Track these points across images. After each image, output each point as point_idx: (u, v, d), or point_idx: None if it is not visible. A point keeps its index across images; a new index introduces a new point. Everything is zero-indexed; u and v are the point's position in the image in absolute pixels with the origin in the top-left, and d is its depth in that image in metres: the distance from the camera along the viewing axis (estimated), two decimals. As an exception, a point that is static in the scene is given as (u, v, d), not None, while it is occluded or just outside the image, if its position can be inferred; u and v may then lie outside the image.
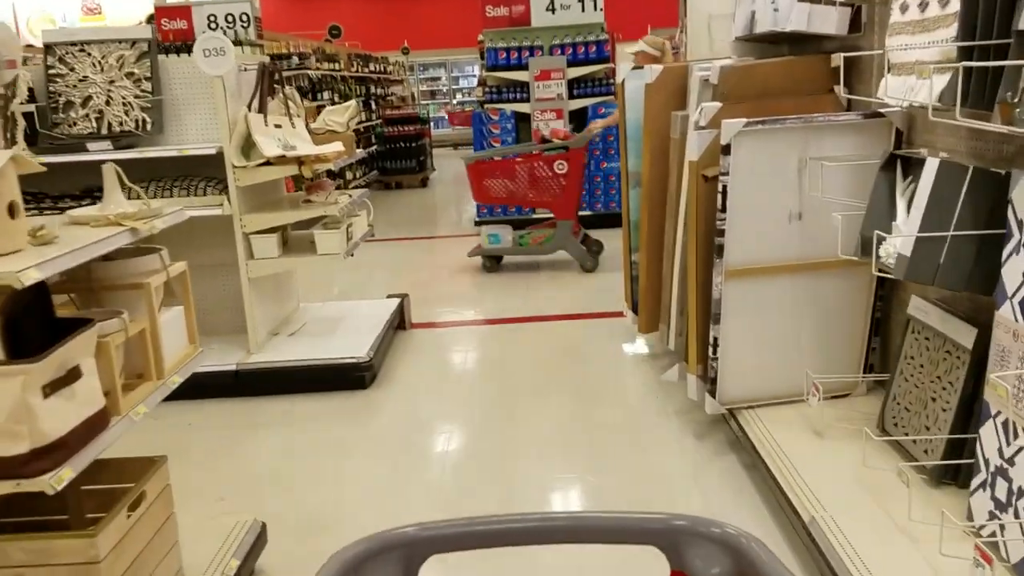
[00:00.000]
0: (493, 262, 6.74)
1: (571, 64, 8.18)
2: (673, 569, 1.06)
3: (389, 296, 5.42)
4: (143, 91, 4.22)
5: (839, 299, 3.20)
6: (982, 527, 2.20)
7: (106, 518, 1.92)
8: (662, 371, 4.11)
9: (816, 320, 3.21)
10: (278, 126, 4.18)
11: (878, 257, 2.44)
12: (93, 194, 4.05)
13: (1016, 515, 2.07)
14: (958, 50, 2.18)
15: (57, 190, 4.26)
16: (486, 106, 8.52)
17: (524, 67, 8.23)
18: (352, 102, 5.09)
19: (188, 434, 3.86)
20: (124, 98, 4.21)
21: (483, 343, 5.04)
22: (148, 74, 4.23)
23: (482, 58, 9.30)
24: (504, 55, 8.36)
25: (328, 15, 17.88)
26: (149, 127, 4.19)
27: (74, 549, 1.88)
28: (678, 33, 6.52)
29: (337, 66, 11.76)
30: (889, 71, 2.57)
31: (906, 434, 2.70)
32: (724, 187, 3.03)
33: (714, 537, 1.04)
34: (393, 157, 12.58)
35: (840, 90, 3.23)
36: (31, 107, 4.15)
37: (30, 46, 8.89)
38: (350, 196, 4.58)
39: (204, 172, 4.25)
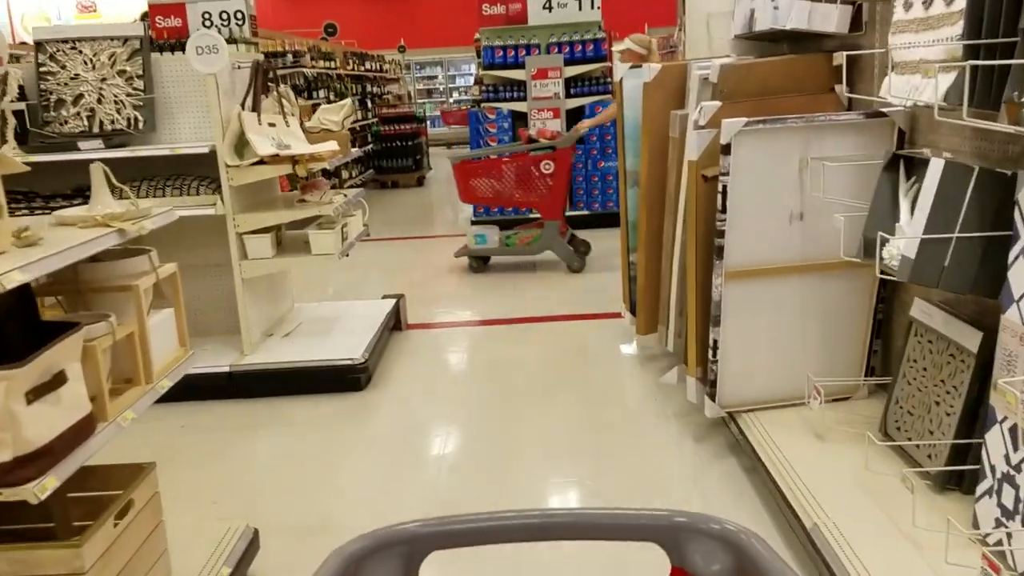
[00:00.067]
0: (480, 263, 6.70)
1: (568, 63, 8.14)
2: (674, 566, 1.06)
3: (385, 296, 5.37)
4: (135, 89, 4.17)
5: (840, 301, 3.16)
6: (988, 535, 2.16)
7: (92, 527, 1.87)
8: (660, 373, 4.07)
9: (817, 322, 3.17)
10: (272, 125, 4.13)
11: (881, 259, 2.40)
12: (85, 193, 3.98)
13: None
14: (964, 48, 2.14)
15: (49, 189, 4.21)
16: (483, 105, 8.48)
17: (521, 66, 8.19)
18: (347, 100, 5.04)
19: (180, 436, 3.81)
20: (116, 96, 4.15)
21: (479, 344, 5.00)
22: (140, 72, 4.17)
23: (479, 56, 9.26)
24: (501, 53, 8.32)
25: (324, 13, 17.82)
26: (141, 125, 4.14)
27: (59, 559, 1.83)
28: (676, 31, 6.48)
29: (333, 64, 11.70)
30: (892, 70, 2.53)
31: (909, 438, 2.66)
32: (724, 187, 2.98)
33: (714, 533, 1.04)
34: (389, 156, 12.53)
35: (842, 89, 3.19)
36: (22, 105, 4.09)
37: (24, 43, 8.83)
38: (345, 195, 4.53)
39: (197, 171, 4.20)
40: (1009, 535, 2.05)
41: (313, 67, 10.58)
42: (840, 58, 3.01)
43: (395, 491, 3.21)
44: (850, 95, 3.11)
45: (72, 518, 2.07)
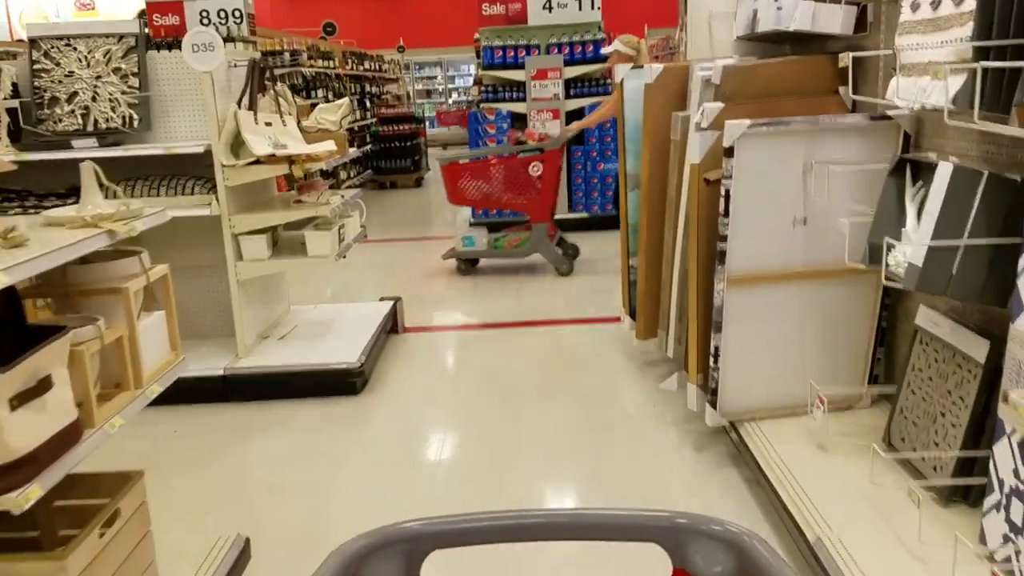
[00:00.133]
0: (468, 265, 6.66)
1: (568, 63, 8.09)
2: (675, 567, 1.05)
3: (382, 299, 5.32)
4: (130, 87, 4.11)
5: (843, 308, 3.11)
6: (996, 551, 2.11)
7: (77, 538, 1.82)
8: (660, 379, 4.02)
9: (820, 329, 3.12)
10: (268, 124, 4.08)
11: (887, 266, 2.35)
12: (79, 192, 3.94)
13: (1032, 538, 1.98)
14: (974, 50, 2.09)
15: (43, 188, 4.15)
16: (482, 105, 8.42)
17: (520, 66, 8.14)
18: (345, 100, 4.98)
19: (173, 441, 3.75)
20: (111, 94, 4.10)
21: (477, 348, 4.95)
22: (135, 69, 4.12)
23: (478, 57, 9.20)
24: (500, 54, 8.27)
25: (323, 12, 17.77)
26: (136, 124, 4.08)
27: (42, 571, 1.78)
28: (678, 32, 6.44)
29: (331, 64, 11.65)
30: (899, 72, 2.48)
31: (914, 449, 2.61)
32: (727, 191, 2.94)
33: (716, 535, 1.03)
34: (388, 156, 12.48)
35: (846, 91, 3.14)
36: (15, 103, 4.04)
37: (21, 41, 8.78)
38: (342, 196, 4.48)
39: (192, 171, 4.14)
40: (1018, 552, 2.00)
41: (311, 66, 10.53)
42: (846, 59, 2.96)
43: (390, 498, 3.16)
44: (855, 97, 3.05)
45: (58, 527, 2.02)
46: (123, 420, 2.02)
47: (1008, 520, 2.07)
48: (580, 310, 5.50)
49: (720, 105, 3.16)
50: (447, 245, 6.88)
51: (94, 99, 4.10)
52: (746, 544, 1.01)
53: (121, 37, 4.13)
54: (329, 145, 4.18)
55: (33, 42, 4.14)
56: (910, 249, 2.28)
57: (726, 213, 2.96)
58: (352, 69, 12.89)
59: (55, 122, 4.10)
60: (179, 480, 3.36)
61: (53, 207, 3.21)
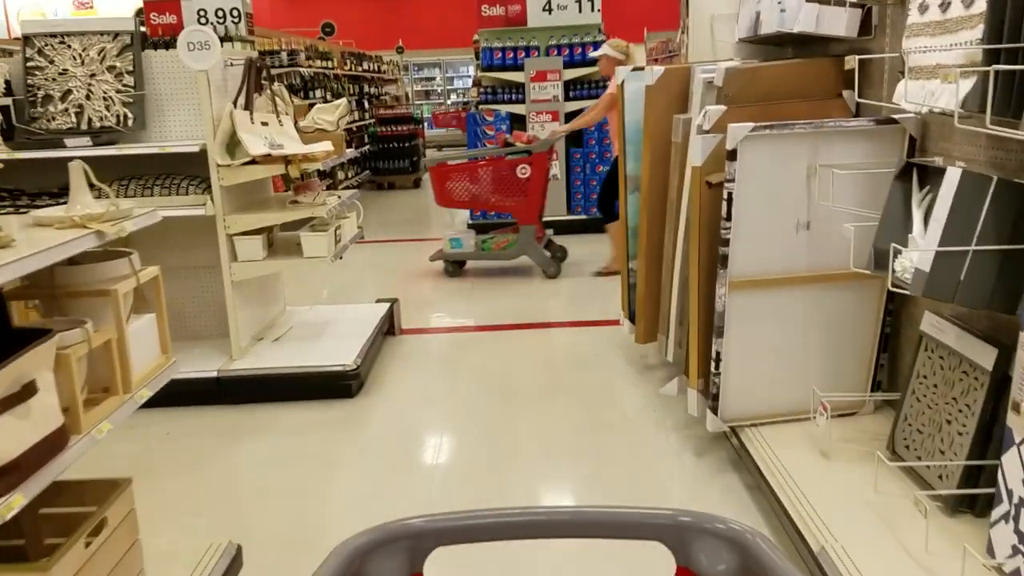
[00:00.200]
0: (455, 267, 6.63)
1: (567, 65, 8.05)
2: (679, 565, 1.04)
3: (379, 300, 5.27)
4: (125, 85, 4.06)
5: (847, 313, 3.07)
6: (1004, 563, 2.06)
7: (62, 548, 1.77)
8: (659, 383, 3.98)
9: (822, 334, 3.08)
10: (265, 124, 4.03)
11: (893, 272, 2.30)
12: (71, 192, 3.89)
13: (1042, 551, 1.94)
14: (984, 53, 2.05)
15: (36, 187, 4.11)
16: (481, 107, 8.38)
17: (520, 68, 8.10)
18: (342, 100, 4.93)
19: (165, 444, 3.70)
20: (105, 92, 4.05)
21: (475, 350, 4.90)
22: (130, 68, 4.07)
23: (477, 58, 9.16)
24: (499, 55, 8.22)
25: (322, 13, 17.71)
26: (130, 123, 4.03)
27: (26, 582, 1.72)
28: (679, 34, 6.40)
29: (330, 64, 11.59)
30: (906, 75, 2.43)
31: (919, 458, 2.57)
32: (729, 194, 2.89)
33: (719, 533, 1.02)
34: (386, 157, 12.43)
35: (853, 94, 3.09)
36: (8, 100, 3.99)
37: (18, 39, 8.73)
38: (339, 197, 4.43)
39: (187, 170, 4.09)
40: (1028, 564, 1.96)
41: (310, 66, 10.48)
42: (852, 62, 2.91)
43: (386, 502, 3.11)
44: (861, 101, 3.01)
45: (44, 535, 1.97)
46: (111, 425, 1.97)
47: (1017, 531, 2.03)
48: (578, 313, 5.46)
49: (723, 108, 3.12)
50: (445, 246, 6.83)
51: (88, 97, 4.05)
52: (749, 542, 0.99)
53: (116, 35, 4.08)
54: (326, 145, 4.13)
55: (27, 39, 4.08)
56: (917, 255, 2.23)
57: (728, 217, 2.91)
58: (351, 70, 12.84)
59: (49, 120, 4.04)
60: (171, 483, 3.31)
61: (46, 206, 3.15)
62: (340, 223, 4.36)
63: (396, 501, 3.12)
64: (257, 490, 3.28)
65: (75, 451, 1.85)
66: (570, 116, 7.93)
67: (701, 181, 3.12)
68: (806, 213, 2.97)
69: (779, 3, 3.40)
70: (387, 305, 5.11)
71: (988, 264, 2.16)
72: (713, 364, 3.03)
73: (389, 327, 5.06)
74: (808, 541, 2.34)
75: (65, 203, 2.18)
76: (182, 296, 4.42)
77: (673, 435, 3.52)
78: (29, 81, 4.05)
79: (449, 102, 19.88)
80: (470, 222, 8.18)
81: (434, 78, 20.38)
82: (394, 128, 12.36)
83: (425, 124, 15.19)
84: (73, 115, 4.05)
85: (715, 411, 3.07)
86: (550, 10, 8.21)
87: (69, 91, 4.05)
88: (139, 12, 7.33)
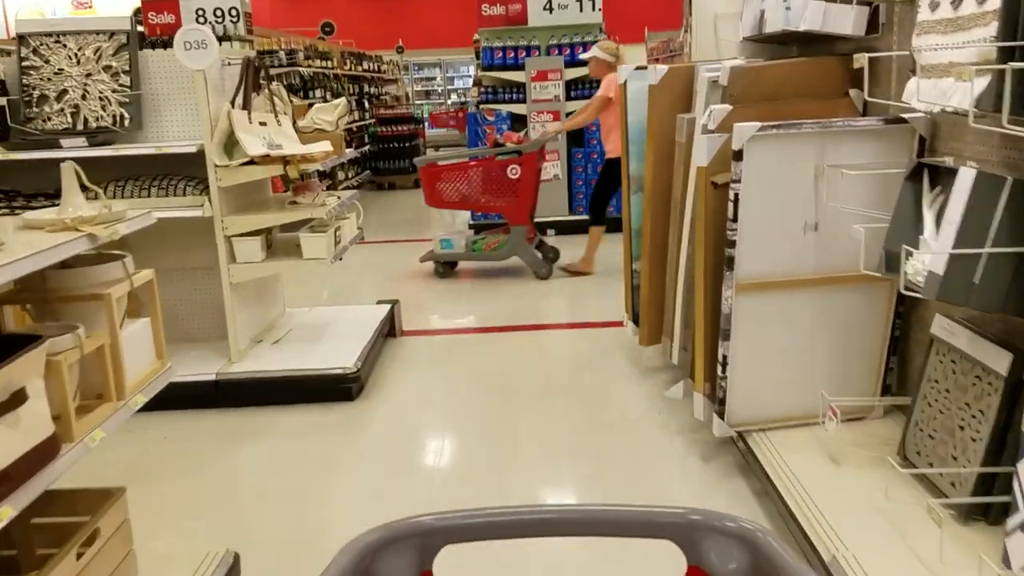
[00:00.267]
0: (447, 268, 6.58)
1: (569, 65, 8.00)
2: (690, 564, 1.04)
3: (379, 302, 5.22)
4: (121, 85, 4.01)
5: (856, 315, 3.02)
6: (1020, 573, 2.01)
7: (53, 560, 1.71)
8: (663, 385, 3.93)
9: (831, 338, 3.02)
10: (263, 123, 3.97)
11: (905, 274, 2.25)
12: (67, 193, 3.84)
13: (1060, 561, 1.88)
14: (998, 51, 2.00)
15: (31, 188, 4.06)
16: (482, 107, 8.33)
17: (520, 67, 8.05)
18: (341, 100, 4.88)
19: (163, 448, 3.65)
20: (101, 92, 4.00)
21: (476, 352, 4.85)
22: (127, 67, 4.01)
23: (477, 58, 9.10)
24: (500, 55, 8.17)
25: (322, 13, 17.66)
26: (127, 123, 3.98)
27: (15, 595, 1.67)
28: (682, 33, 6.35)
29: (330, 64, 11.54)
30: (918, 73, 2.38)
31: (931, 464, 2.52)
32: (736, 195, 2.84)
33: (730, 531, 1.02)
34: (386, 157, 12.39)
35: (863, 93, 3.04)
36: (3, 101, 3.94)
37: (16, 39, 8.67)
38: (339, 197, 4.38)
39: (185, 171, 4.04)
40: (1046, 575, 1.91)
41: (309, 66, 10.42)
42: (862, 60, 2.86)
43: (386, 507, 3.06)
44: (869, 99, 2.96)
45: (36, 545, 1.92)
46: (104, 433, 1.91)
47: (1034, 542, 1.97)
48: (582, 314, 5.41)
49: (728, 107, 3.07)
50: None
51: (84, 97, 4.00)
52: (760, 541, 0.99)
53: (112, 34, 4.03)
54: (325, 145, 4.08)
55: (22, 39, 4.03)
56: (930, 257, 2.18)
57: (735, 218, 2.86)
58: (351, 69, 12.79)
59: (44, 120, 3.99)
60: (169, 487, 3.26)
61: (42, 207, 3.11)
62: (340, 224, 4.30)
63: (395, 507, 3.07)
64: (256, 494, 3.23)
65: (67, 460, 1.80)
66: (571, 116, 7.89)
67: (706, 182, 3.07)
68: (814, 214, 2.92)
69: (784, 1, 3.34)
70: (388, 306, 5.06)
71: (1003, 266, 2.11)
72: (720, 367, 2.98)
73: (390, 329, 5.01)
74: (819, 549, 2.29)
75: (58, 205, 2.13)
76: (180, 298, 4.37)
77: (678, 439, 3.46)
78: (24, 81, 3.99)
79: (449, 102, 19.82)
80: (471, 222, 8.12)
81: (434, 78, 20.32)
82: (394, 128, 12.32)
83: (425, 124, 15.13)
84: (69, 115, 4.00)
85: (722, 415, 3.02)
86: (551, 9, 8.16)
87: (65, 91, 4.00)
88: (137, 12, 7.29)
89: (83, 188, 2.15)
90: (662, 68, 3.75)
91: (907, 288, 2.25)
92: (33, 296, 2.06)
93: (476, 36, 9.17)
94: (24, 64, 3.99)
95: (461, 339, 5.12)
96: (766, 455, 2.85)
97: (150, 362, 2.24)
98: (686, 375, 3.50)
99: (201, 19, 6.97)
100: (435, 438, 3.69)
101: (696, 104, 3.52)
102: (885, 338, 3.03)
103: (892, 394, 3.09)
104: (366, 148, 12.07)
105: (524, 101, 8.03)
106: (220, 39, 6.40)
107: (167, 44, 5.71)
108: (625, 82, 4.12)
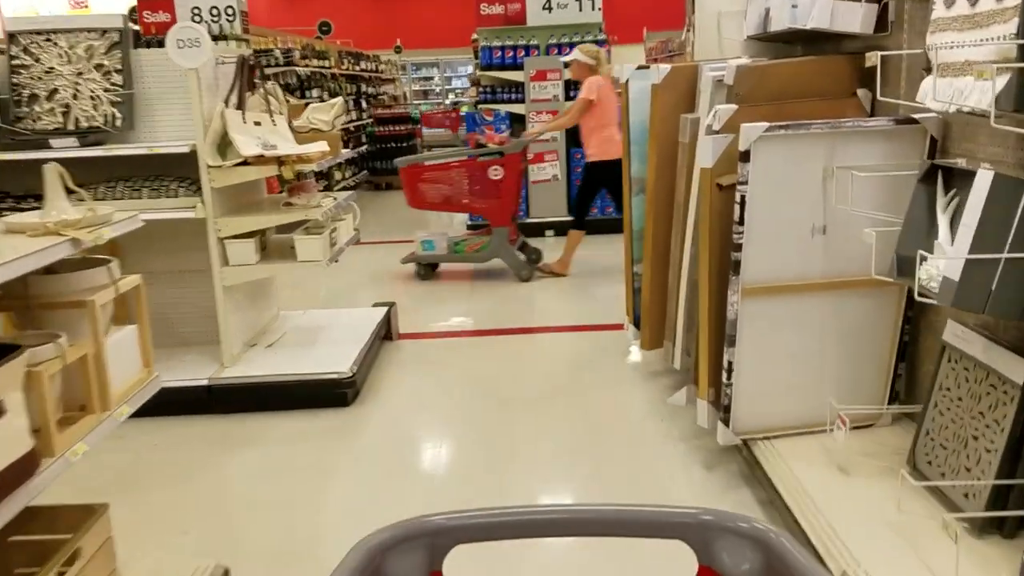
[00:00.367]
0: (428, 270, 6.51)
1: (568, 65, 7.90)
2: (701, 564, 1.03)
3: (375, 304, 5.14)
4: (113, 84, 3.92)
5: (864, 321, 2.94)
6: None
7: (31, 581, 1.64)
8: (664, 390, 3.86)
9: (839, 343, 2.95)
10: (257, 123, 3.89)
11: (919, 280, 2.18)
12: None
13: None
14: (1019, 48, 1.93)
15: (21, 189, 3.98)
16: (480, 106, 8.25)
17: (519, 67, 7.97)
18: (338, 99, 4.80)
19: (153, 455, 3.56)
20: (92, 91, 3.91)
21: (473, 356, 4.77)
22: (119, 66, 3.93)
23: (476, 57, 9.03)
24: (499, 54, 8.10)
25: (320, 12, 17.56)
26: (119, 123, 3.90)
27: (-9, 619, 1.60)
28: (685, 32, 6.27)
29: (327, 63, 11.46)
30: (934, 72, 2.30)
31: (943, 475, 2.44)
32: (742, 197, 2.76)
33: (742, 532, 1.01)
34: (384, 157, 12.30)
35: (866, 93, 2.97)
36: (-8, 100, 3.86)
37: (8, 37, 8.59)
38: (335, 198, 4.30)
39: (177, 172, 3.95)
40: (1069, 595, 1.84)
41: (306, 66, 10.34)
42: (873, 58, 2.79)
43: (382, 514, 2.97)
44: (881, 99, 2.88)
45: (15, 564, 1.84)
46: (87, 447, 1.84)
47: (1055, 560, 1.90)
48: (582, 317, 5.33)
49: (733, 107, 2.99)
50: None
51: (75, 96, 3.92)
52: (773, 541, 0.98)
53: (104, 32, 3.95)
54: (321, 146, 4.00)
55: (12, 37, 3.94)
56: (944, 262, 2.10)
57: (741, 221, 2.79)
58: (348, 69, 12.71)
59: (34, 120, 3.91)
60: (158, 496, 3.18)
61: (31, 209, 3.03)
62: (336, 225, 4.22)
63: (391, 515, 2.98)
64: (247, 503, 3.16)
65: (47, 476, 1.72)
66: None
67: (711, 183, 2.99)
68: (822, 217, 2.85)
69: (791, -2, 3.27)
70: (384, 309, 4.98)
71: (1021, 272, 2.03)
72: (725, 374, 2.91)
73: (386, 332, 4.93)
74: (828, 565, 2.21)
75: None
76: (171, 301, 4.28)
77: (681, 446, 3.39)
78: (14, 80, 3.91)
79: (447, 102, 19.73)
80: (469, 223, 8.05)
81: (432, 77, 20.24)
82: (392, 128, 12.26)
83: (423, 124, 15.02)
84: (59, 115, 3.92)
85: (726, 423, 2.94)
86: (550, 8, 8.08)
87: (55, 90, 3.92)
88: (132, 10, 7.21)
89: (68, 191, 2.07)
90: (665, 67, 3.68)
91: (921, 294, 2.17)
92: (14, 303, 1.98)
93: (474, 36, 9.10)
94: (14, 63, 3.91)
95: (460, 342, 5.04)
96: (772, 464, 2.77)
97: (136, 371, 2.16)
98: (688, 380, 3.43)
99: (197, 18, 6.89)
100: (431, 444, 3.61)
101: (700, 104, 3.45)
102: (894, 344, 2.95)
103: (900, 401, 3.02)
104: (363, 148, 11.99)
105: (523, 101, 7.95)
106: (216, 38, 6.32)
107: (162, 43, 5.64)
108: (627, 81, 4.04)
